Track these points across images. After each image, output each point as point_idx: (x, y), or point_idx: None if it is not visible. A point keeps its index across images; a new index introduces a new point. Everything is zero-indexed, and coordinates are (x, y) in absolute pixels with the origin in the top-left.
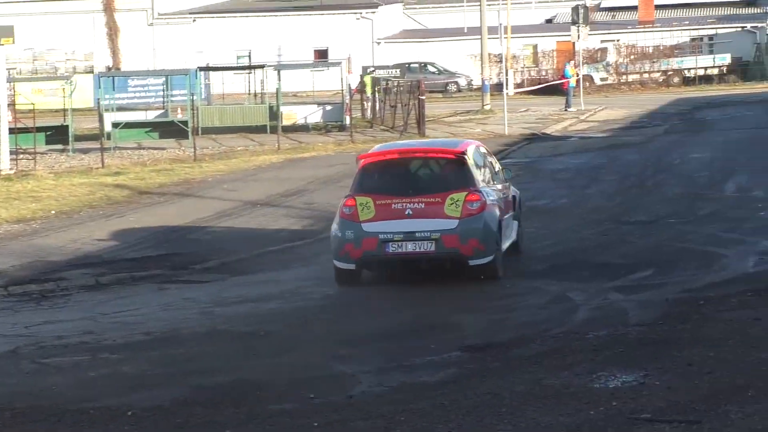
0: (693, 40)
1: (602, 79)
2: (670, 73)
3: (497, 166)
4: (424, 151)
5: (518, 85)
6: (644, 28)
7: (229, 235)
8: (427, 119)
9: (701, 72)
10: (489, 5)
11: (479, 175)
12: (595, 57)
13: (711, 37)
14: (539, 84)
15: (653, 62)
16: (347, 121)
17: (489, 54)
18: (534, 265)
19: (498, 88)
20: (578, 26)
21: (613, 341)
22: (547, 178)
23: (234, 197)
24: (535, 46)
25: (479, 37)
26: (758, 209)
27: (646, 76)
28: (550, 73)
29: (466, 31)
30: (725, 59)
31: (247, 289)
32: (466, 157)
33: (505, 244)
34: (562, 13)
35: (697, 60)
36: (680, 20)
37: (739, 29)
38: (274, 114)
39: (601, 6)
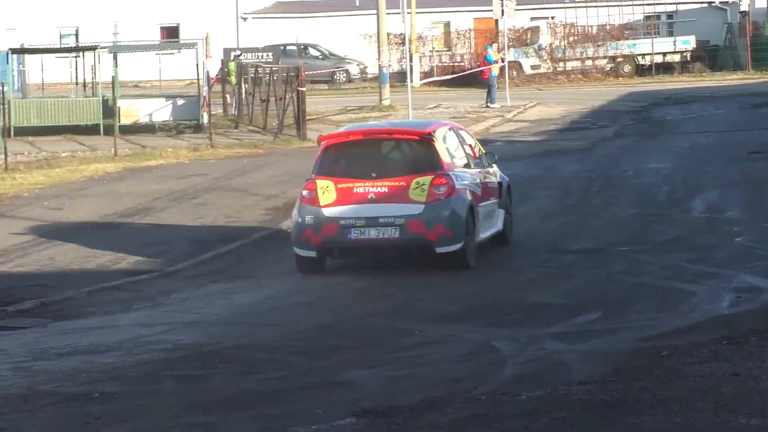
0: (648, 18)
1: (533, 67)
2: (619, 59)
3: (477, 150)
4: (389, 132)
5: (426, 74)
6: (586, 2)
7: (51, 268)
8: (309, 118)
9: (659, 59)
10: None
11: (449, 158)
12: (524, 39)
13: (671, 15)
14: (453, 73)
15: (598, 46)
16: (205, 119)
17: (388, 34)
18: (449, 306)
19: (400, 77)
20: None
21: (551, 404)
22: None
23: (58, 218)
24: (447, 25)
25: (375, 11)
26: (733, 233)
27: (589, 63)
28: (467, 59)
29: (358, 4)
30: (689, 43)
31: (75, 337)
32: (433, 138)
33: (486, 233)
34: None
35: (654, 44)
36: None
37: (706, 5)
38: (109, 110)
39: None
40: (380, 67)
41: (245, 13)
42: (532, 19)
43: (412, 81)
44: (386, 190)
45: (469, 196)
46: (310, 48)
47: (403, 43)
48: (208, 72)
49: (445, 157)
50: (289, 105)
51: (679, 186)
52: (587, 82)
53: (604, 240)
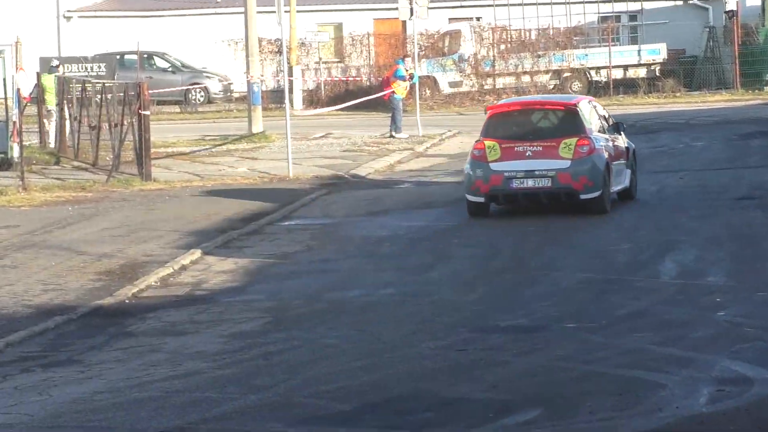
0: (604, 20)
1: (453, 84)
2: (566, 74)
3: (610, 121)
4: (542, 104)
5: (311, 94)
6: None
7: None
8: (156, 150)
9: (618, 74)
10: None
11: (589, 125)
12: (440, 47)
13: (634, 16)
14: (347, 91)
15: (538, 56)
16: (15, 152)
17: (260, 39)
18: (335, 403)
19: (277, 96)
20: None
21: None
22: (360, 252)
23: None
24: (338, 28)
25: (242, 10)
26: (714, 306)
27: (526, 79)
28: (365, 73)
29: (219, 0)
30: (657, 53)
31: None
32: (578, 108)
33: (616, 188)
34: None
35: (612, 54)
36: None
37: (680, 3)
38: None
39: None
40: (250, 84)
41: (69, 11)
42: (452, 20)
43: (292, 102)
44: (540, 149)
45: (605, 155)
46: (156, 57)
47: (280, 52)
48: (19, 90)
49: (586, 124)
50: (128, 134)
51: (644, 243)
52: None
53: (545, 314)
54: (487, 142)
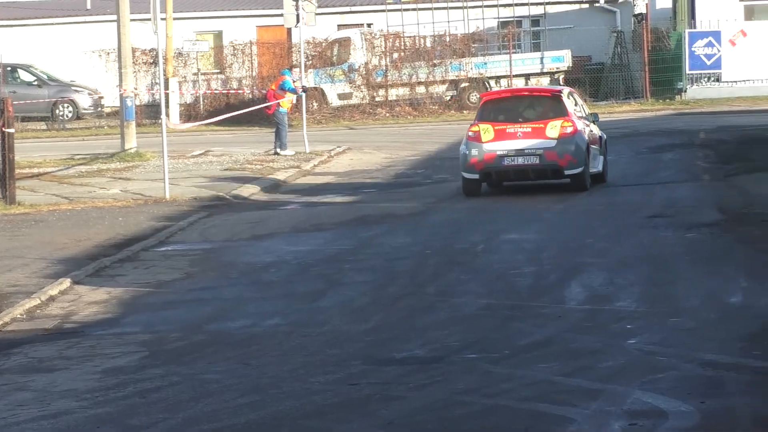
0: (505, 25)
1: (342, 96)
2: (464, 84)
3: (586, 110)
4: (530, 90)
5: (189, 108)
6: (417, 1)
7: None
8: (21, 171)
9: (520, 83)
10: None
11: (572, 109)
12: (328, 56)
13: (536, 20)
14: (228, 105)
15: (434, 65)
16: None
17: (134, 49)
18: None
19: (153, 112)
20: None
21: None
22: (244, 279)
23: None
24: (218, 36)
25: (114, 17)
26: (625, 333)
27: (421, 90)
28: (248, 85)
29: (89, 6)
30: (561, 60)
31: None
32: (561, 95)
33: (592, 170)
34: None
35: (513, 61)
36: None
37: (586, 6)
38: None
39: None
40: (122, 98)
41: None
42: (341, 27)
43: (169, 117)
44: (529, 130)
45: (586, 136)
46: (20, 70)
47: (156, 63)
48: None
49: (570, 108)
50: None
51: (549, 266)
52: (419, 118)
53: (444, 344)
54: (482, 125)
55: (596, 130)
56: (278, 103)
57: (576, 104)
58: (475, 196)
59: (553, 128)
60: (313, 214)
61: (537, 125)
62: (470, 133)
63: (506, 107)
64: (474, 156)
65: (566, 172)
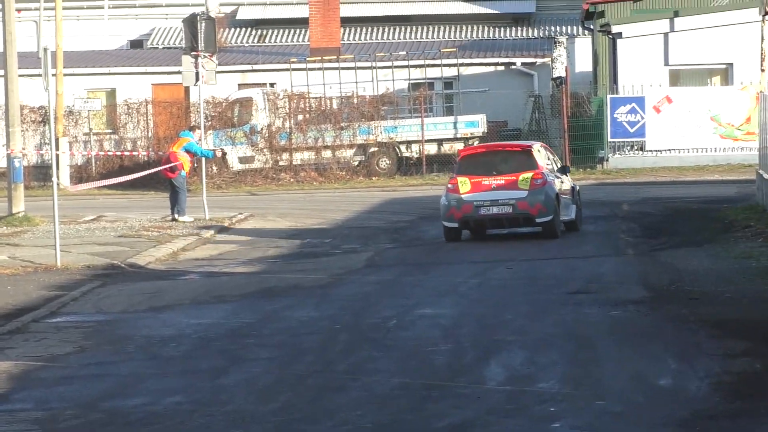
0: (416, 87)
1: (244, 160)
2: (373, 149)
3: (558, 163)
4: (503, 146)
5: (80, 170)
6: (323, 61)
7: None
8: None
9: (432, 149)
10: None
11: (543, 163)
12: (229, 116)
13: (449, 82)
14: (122, 167)
15: (342, 128)
16: None
17: (22, 107)
18: None
19: (42, 174)
20: (198, 55)
21: None
22: (142, 354)
23: None
24: (111, 94)
25: (1, 72)
26: (548, 416)
27: (328, 154)
28: (143, 146)
29: None
30: (476, 125)
31: None
32: (532, 149)
33: (564, 218)
34: (162, 29)
35: (426, 126)
36: (392, 49)
37: (501, 68)
38: None
39: (238, 18)
40: (10, 158)
41: None
42: (242, 86)
43: (59, 180)
44: (503, 182)
45: (555, 187)
46: None
47: (45, 122)
48: None
49: (540, 162)
50: None
51: (467, 344)
52: (325, 184)
53: (355, 426)
54: (460, 178)
55: (567, 181)
56: (181, 165)
57: (547, 158)
58: (455, 241)
59: (525, 180)
60: (214, 284)
61: (510, 177)
62: (450, 186)
63: (482, 161)
64: (453, 206)
65: (537, 220)
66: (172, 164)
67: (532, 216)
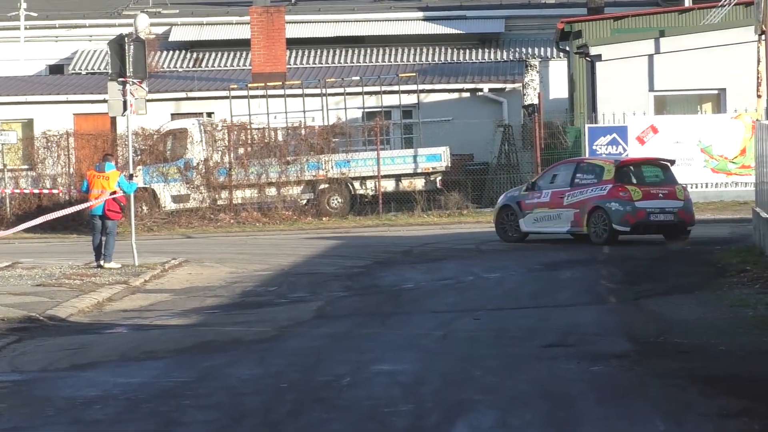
0: (372, 116)
1: (178, 199)
2: (323, 186)
3: None
4: (650, 159)
5: None
6: (266, 87)
7: None
8: None
9: (389, 185)
10: None
11: None
12: (161, 150)
13: (409, 112)
14: (40, 207)
15: (287, 163)
16: None
17: None
18: None
19: None
20: (126, 82)
21: None
22: (63, 417)
23: None
24: (28, 125)
25: None
26: None
27: (272, 192)
28: (64, 184)
29: None
30: (439, 159)
31: None
32: (669, 163)
33: None
34: (85, 52)
35: (382, 160)
36: (344, 73)
37: (467, 94)
38: None
39: (170, 39)
40: None
41: None
42: (175, 116)
43: None
44: (666, 192)
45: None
46: None
47: None
48: None
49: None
50: None
51: (429, 404)
52: (270, 225)
53: None
54: (630, 187)
55: None
56: (114, 201)
57: None
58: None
59: (680, 191)
60: (144, 339)
61: (669, 188)
62: (621, 193)
63: (636, 172)
64: (628, 212)
65: (688, 228)
66: (120, 203)
67: (687, 224)
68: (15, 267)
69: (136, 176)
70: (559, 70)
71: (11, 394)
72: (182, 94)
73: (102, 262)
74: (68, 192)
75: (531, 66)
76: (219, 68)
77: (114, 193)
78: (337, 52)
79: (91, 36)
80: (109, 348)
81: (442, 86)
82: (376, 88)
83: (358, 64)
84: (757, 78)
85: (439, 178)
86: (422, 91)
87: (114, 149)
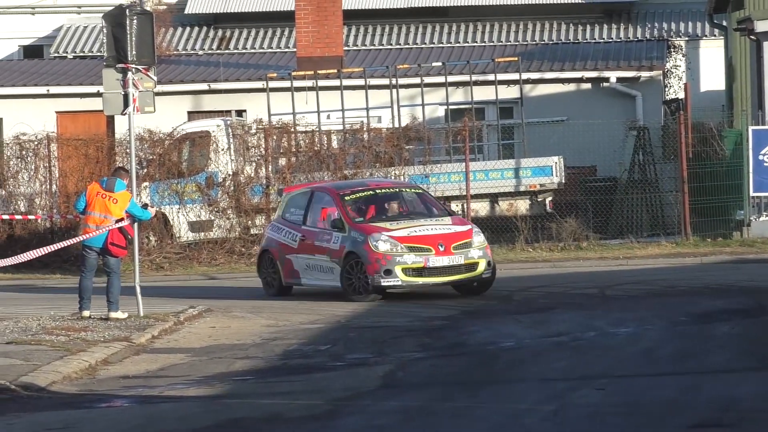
0: (459, 114)
1: (197, 227)
2: None
3: None
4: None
5: None
6: (317, 77)
7: None
8: None
9: (483, 208)
10: None
11: None
12: (174, 162)
13: (509, 109)
14: (13, 237)
15: (344, 177)
16: None
17: None
18: None
19: None
20: (128, 69)
21: None
22: None
23: None
24: None
25: None
26: None
27: None
28: (44, 207)
29: None
30: (549, 173)
31: None
32: None
33: None
34: (71, 29)
35: (474, 175)
36: (421, 58)
37: (588, 86)
38: None
39: (187, 12)
40: None
41: None
42: (194, 115)
43: None
44: None
45: None
46: None
47: None
48: None
49: None
50: None
51: None
52: None
53: None
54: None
55: None
56: (120, 233)
57: None
58: None
59: None
60: (151, 415)
61: None
62: None
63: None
64: None
65: None
66: (128, 235)
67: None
68: None
69: (152, 207)
70: (712, 53)
71: None
72: (203, 86)
73: (108, 313)
74: (49, 218)
75: (675, 47)
76: (253, 50)
77: (120, 220)
78: (412, 28)
79: (79, 6)
80: (104, 428)
81: (554, 75)
82: (465, 78)
83: (441, 46)
84: None
85: (549, 198)
86: (526, 81)
87: (111, 160)
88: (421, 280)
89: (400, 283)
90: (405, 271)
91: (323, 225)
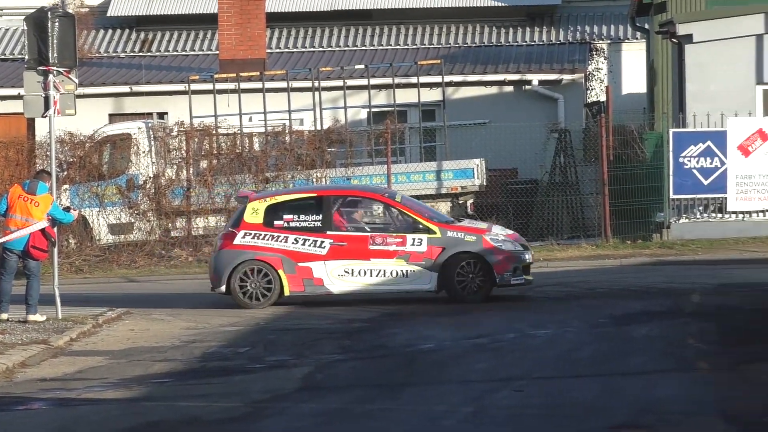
0: (381, 117)
1: (117, 229)
2: None
3: None
4: None
5: None
6: (239, 79)
7: None
8: None
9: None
10: None
11: None
12: (95, 164)
13: (431, 111)
14: None
15: (265, 180)
16: None
17: None
18: None
19: None
20: (49, 72)
21: None
22: None
23: None
24: None
25: None
26: None
27: None
28: None
29: None
30: (470, 175)
31: None
32: None
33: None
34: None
35: (394, 177)
36: (344, 61)
37: (510, 89)
38: None
39: (110, 14)
40: None
41: None
42: (115, 117)
43: None
44: None
45: None
46: None
47: None
48: None
49: None
50: None
51: None
52: None
53: None
54: None
55: None
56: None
57: None
58: None
59: None
60: (69, 418)
61: None
62: None
63: None
64: None
65: None
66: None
67: None
68: None
69: (74, 210)
70: (634, 56)
71: None
72: (125, 88)
73: (26, 315)
74: None
75: (597, 50)
76: (175, 53)
77: (47, 226)
78: (335, 31)
79: (1, 9)
80: (21, 431)
81: (477, 77)
82: (388, 80)
83: (364, 48)
84: None
85: (471, 201)
86: (449, 84)
87: (31, 162)
88: (528, 277)
89: (523, 281)
90: (524, 268)
91: (370, 228)
